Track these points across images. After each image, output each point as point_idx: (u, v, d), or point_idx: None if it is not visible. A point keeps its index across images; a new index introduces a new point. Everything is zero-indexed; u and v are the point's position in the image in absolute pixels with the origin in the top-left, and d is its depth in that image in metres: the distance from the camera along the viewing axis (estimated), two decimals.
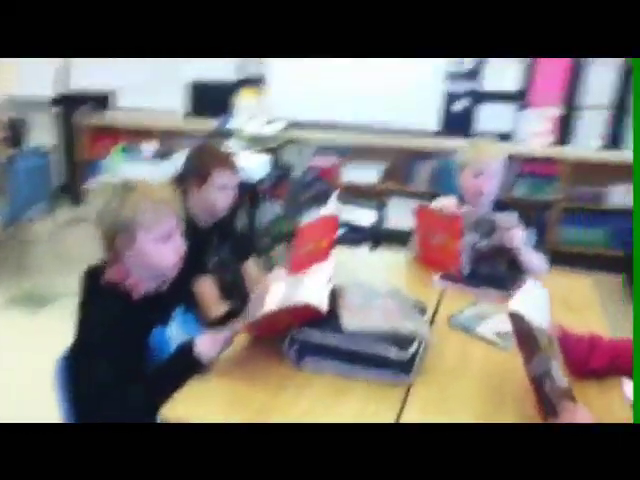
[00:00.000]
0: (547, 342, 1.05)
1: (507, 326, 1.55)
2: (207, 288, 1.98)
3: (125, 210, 1.37)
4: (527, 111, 4.61)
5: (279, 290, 1.48)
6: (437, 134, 4.73)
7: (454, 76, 4.61)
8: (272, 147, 4.71)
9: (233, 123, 4.50)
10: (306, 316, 1.38)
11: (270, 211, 3.16)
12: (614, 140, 4.49)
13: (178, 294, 1.55)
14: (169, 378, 1.33)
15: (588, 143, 4.50)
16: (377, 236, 3.45)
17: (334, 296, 1.47)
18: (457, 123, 4.70)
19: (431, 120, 4.72)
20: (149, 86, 5.12)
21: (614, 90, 4.36)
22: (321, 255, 1.98)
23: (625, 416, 1.27)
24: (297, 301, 1.34)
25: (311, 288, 1.43)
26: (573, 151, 4.49)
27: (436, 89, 4.65)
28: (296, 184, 2.88)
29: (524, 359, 1.25)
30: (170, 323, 1.49)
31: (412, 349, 1.33)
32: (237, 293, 2.07)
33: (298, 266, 1.91)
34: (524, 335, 1.21)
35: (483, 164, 2.13)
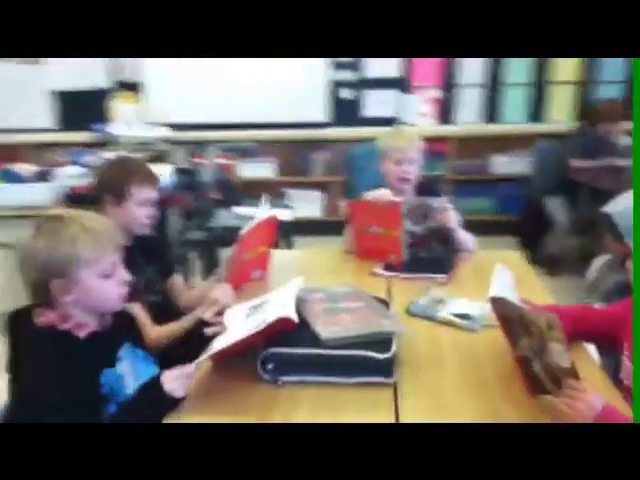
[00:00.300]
0: (546, 325, 1.04)
1: (465, 308, 1.59)
2: (138, 315, 1.81)
3: (61, 247, 1.17)
4: (410, 95, 4.76)
5: (241, 314, 1.38)
6: (327, 125, 4.75)
7: (338, 65, 4.63)
8: (162, 152, 4.47)
9: (114, 131, 4.18)
10: (275, 331, 1.28)
11: (177, 220, 2.96)
12: (491, 115, 4.78)
13: (122, 328, 1.37)
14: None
15: (468, 120, 4.76)
16: (288, 232, 3.38)
17: (297, 305, 1.38)
18: (345, 112, 4.74)
19: (320, 111, 4.72)
20: (8, 101, 4.61)
21: (488, 69, 4.63)
22: (260, 262, 1.88)
23: (599, 376, 1.32)
24: (269, 320, 1.24)
25: (278, 303, 1.33)
26: (456, 128, 4.73)
27: (322, 80, 4.65)
28: (202, 188, 2.71)
29: (510, 341, 1.25)
30: (120, 360, 1.32)
31: (393, 348, 1.28)
32: (168, 314, 1.91)
33: (238, 276, 1.79)
34: (508, 319, 1.21)
35: (404, 151, 2.13)
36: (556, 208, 3.80)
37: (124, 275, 1.29)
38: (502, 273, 1.34)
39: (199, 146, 4.48)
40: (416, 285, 1.81)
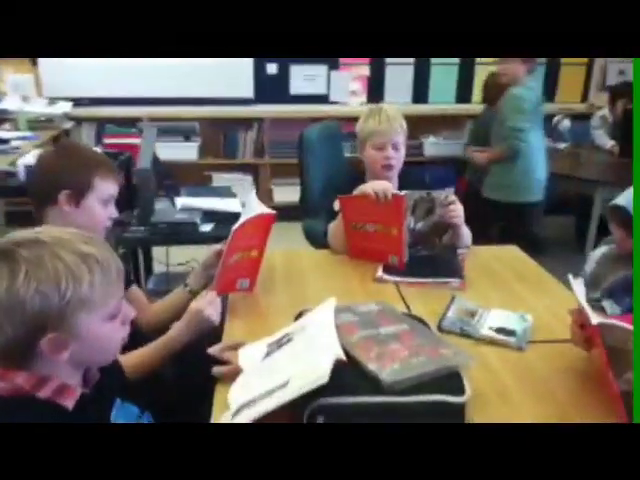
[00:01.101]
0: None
1: (503, 320, 1.39)
2: (138, 297, 1.63)
3: (54, 289, 0.81)
4: (338, 72, 4.51)
5: (258, 352, 1.13)
6: (252, 102, 4.38)
7: None
8: (65, 130, 3.88)
9: (8, 105, 3.55)
10: None
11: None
12: (420, 95, 4.66)
13: (112, 378, 1.02)
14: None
15: (399, 99, 4.60)
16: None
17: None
18: (272, 88, 4.40)
19: (245, 87, 4.34)
20: None
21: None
22: (249, 268, 1.55)
23: None
24: (318, 375, 0.95)
25: (314, 340, 1.04)
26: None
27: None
28: (142, 176, 2.28)
29: (613, 372, 1.05)
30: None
31: (467, 388, 1.04)
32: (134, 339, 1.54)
33: (221, 284, 1.46)
34: (614, 349, 1.02)
35: (387, 135, 1.89)
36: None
37: (129, 311, 0.94)
38: (578, 286, 1.15)
39: (114, 124, 3.96)
40: (427, 290, 1.59)
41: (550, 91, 4.74)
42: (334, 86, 4.53)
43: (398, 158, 1.92)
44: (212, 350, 1.21)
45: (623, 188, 3.39)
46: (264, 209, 1.51)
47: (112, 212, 1.51)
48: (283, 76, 4.41)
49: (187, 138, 4.26)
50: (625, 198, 1.67)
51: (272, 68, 4.38)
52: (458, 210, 1.72)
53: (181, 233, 2.26)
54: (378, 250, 1.73)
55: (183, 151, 4.23)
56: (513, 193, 3.18)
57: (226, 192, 2.85)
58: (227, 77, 4.26)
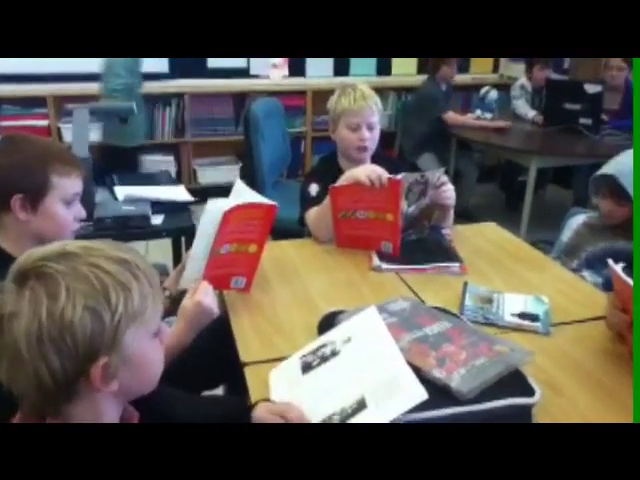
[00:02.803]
0: None
1: (521, 305, 1.36)
2: None
3: (110, 298, 0.66)
4: None
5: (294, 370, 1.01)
6: (169, 76, 4.07)
7: None
8: None
9: None
10: None
11: None
12: (342, 67, 4.56)
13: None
14: None
15: (321, 72, 4.47)
16: None
17: None
18: (187, 62, 4.09)
19: (160, 61, 4.01)
20: None
21: None
22: (247, 265, 1.40)
23: None
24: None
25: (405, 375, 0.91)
26: (309, 81, 4.42)
27: None
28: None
29: None
30: None
31: (535, 386, 0.98)
32: None
33: (217, 279, 1.31)
34: None
35: (362, 114, 1.78)
36: (427, 163, 3.77)
37: (165, 329, 0.79)
38: (619, 268, 1.13)
39: (11, 105, 3.49)
40: (429, 277, 1.52)
41: (464, 62, 4.83)
42: (254, 59, 4.31)
43: (372, 139, 1.82)
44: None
45: (555, 157, 3.55)
46: (262, 199, 1.36)
47: (79, 212, 1.30)
48: None
49: (99, 118, 3.87)
50: (612, 167, 1.67)
51: None
52: (450, 191, 1.66)
53: (131, 228, 2.02)
54: (369, 237, 1.63)
55: (94, 132, 3.84)
56: None
57: (165, 178, 2.61)
58: None
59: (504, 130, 3.61)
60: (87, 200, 2.01)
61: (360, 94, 1.79)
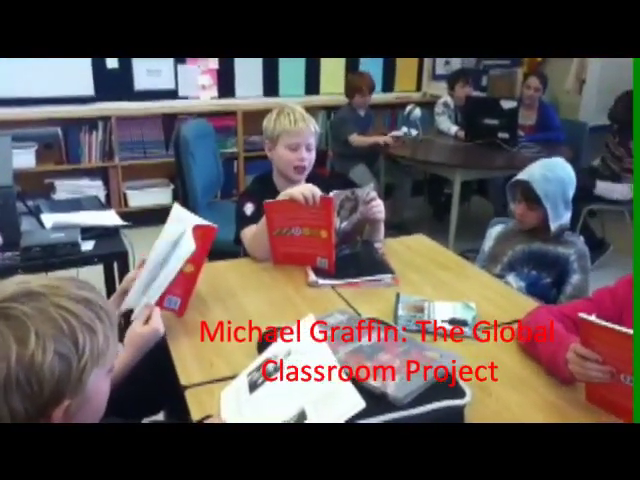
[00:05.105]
0: None
1: (450, 311, 1.43)
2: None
3: (78, 342, 0.67)
4: (185, 66, 4.28)
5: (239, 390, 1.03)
6: (94, 99, 3.99)
7: None
8: None
9: None
10: None
11: None
12: (271, 88, 4.61)
13: None
14: None
15: (250, 92, 4.51)
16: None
17: None
18: (114, 85, 4.03)
19: (85, 85, 3.92)
20: None
21: None
22: (183, 285, 1.40)
23: None
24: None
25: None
26: (240, 102, 4.45)
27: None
28: (4, 195, 1.94)
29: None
30: None
31: (466, 387, 1.04)
32: None
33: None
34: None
35: (301, 135, 1.82)
36: (359, 175, 3.86)
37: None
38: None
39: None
40: (363, 290, 1.58)
41: (389, 82, 5.01)
42: (182, 80, 4.29)
43: (310, 160, 1.86)
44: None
45: (477, 170, 3.73)
46: (202, 221, 1.37)
47: None
48: (125, 71, 4.06)
49: (22, 143, 3.74)
50: (525, 174, 1.81)
51: (113, 62, 4.01)
52: (379, 206, 1.73)
53: (60, 255, 1.97)
54: (305, 254, 1.67)
55: (17, 158, 3.69)
56: None
57: (93, 203, 2.55)
58: (63, 74, 3.80)
59: (395, 143, 3.74)
60: (11, 228, 1.96)
61: (300, 115, 1.83)
